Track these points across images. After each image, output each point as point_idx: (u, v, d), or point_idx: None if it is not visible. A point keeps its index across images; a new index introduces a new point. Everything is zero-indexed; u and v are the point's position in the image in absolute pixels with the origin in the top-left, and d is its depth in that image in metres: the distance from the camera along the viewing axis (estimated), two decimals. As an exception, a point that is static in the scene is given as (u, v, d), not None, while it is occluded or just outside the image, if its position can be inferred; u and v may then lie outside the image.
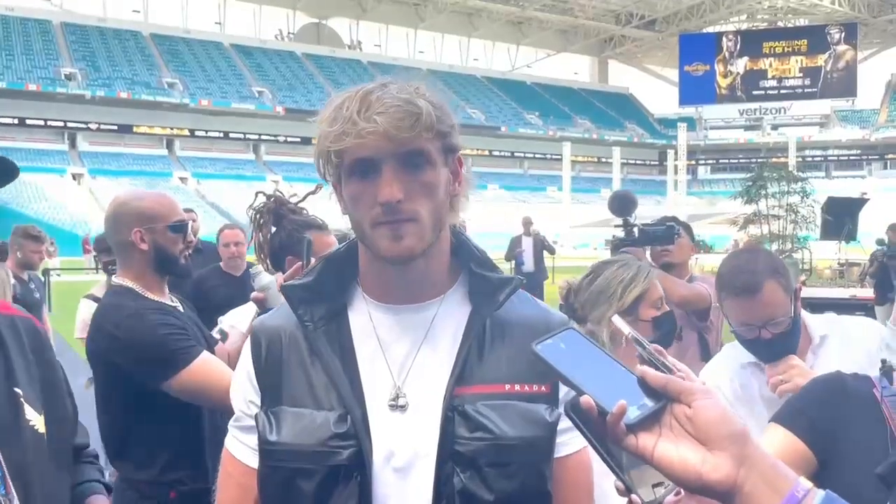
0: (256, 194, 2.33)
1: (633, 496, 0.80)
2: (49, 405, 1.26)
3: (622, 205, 3.72)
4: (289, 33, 65.26)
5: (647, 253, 3.69)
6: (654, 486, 0.81)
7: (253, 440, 1.17)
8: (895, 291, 8.52)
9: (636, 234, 3.62)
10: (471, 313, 1.18)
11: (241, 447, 1.20)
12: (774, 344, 1.84)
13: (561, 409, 1.17)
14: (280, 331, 1.19)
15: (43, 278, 9.26)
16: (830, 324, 2.01)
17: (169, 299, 2.30)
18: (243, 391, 1.21)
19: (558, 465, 1.19)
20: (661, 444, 0.74)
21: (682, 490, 0.86)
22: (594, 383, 0.78)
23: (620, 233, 3.65)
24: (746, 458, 0.73)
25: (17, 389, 1.20)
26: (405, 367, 1.14)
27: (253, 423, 1.17)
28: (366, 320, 1.18)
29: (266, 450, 1.13)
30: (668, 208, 41.58)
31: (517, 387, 1.14)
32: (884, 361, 1.52)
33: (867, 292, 9.93)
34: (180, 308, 2.31)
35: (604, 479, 1.66)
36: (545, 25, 68.24)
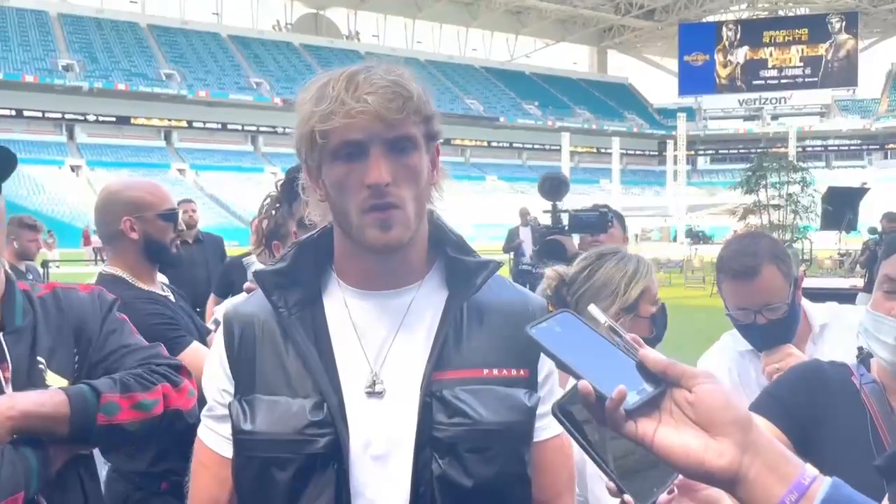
0: (277, 183, 2.32)
1: (626, 497, 0.78)
2: (83, 362, 1.37)
3: (553, 187, 3.53)
4: (286, 24, 65.03)
5: (576, 241, 3.51)
6: (647, 486, 0.78)
7: (226, 429, 1.15)
8: None
9: (565, 221, 3.45)
10: (448, 298, 1.16)
11: (214, 437, 1.18)
12: (769, 330, 1.82)
13: (540, 393, 1.16)
14: (253, 318, 1.17)
15: (42, 270, 9.24)
16: (832, 313, 1.99)
17: (160, 288, 2.28)
18: (216, 380, 1.18)
19: (537, 448, 1.17)
20: (662, 430, 0.72)
21: (675, 489, 0.85)
22: (592, 367, 0.75)
23: (547, 219, 3.44)
24: (751, 445, 0.71)
25: (38, 358, 1.32)
26: (382, 354, 1.13)
27: (226, 412, 1.15)
28: (341, 306, 1.16)
29: (240, 439, 1.11)
30: (668, 199, 41.56)
31: (495, 371, 1.13)
32: (860, 349, 1.50)
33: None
34: (171, 297, 2.29)
35: (596, 484, 1.65)
36: (544, 15, 67.99)
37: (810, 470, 0.71)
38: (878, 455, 1.15)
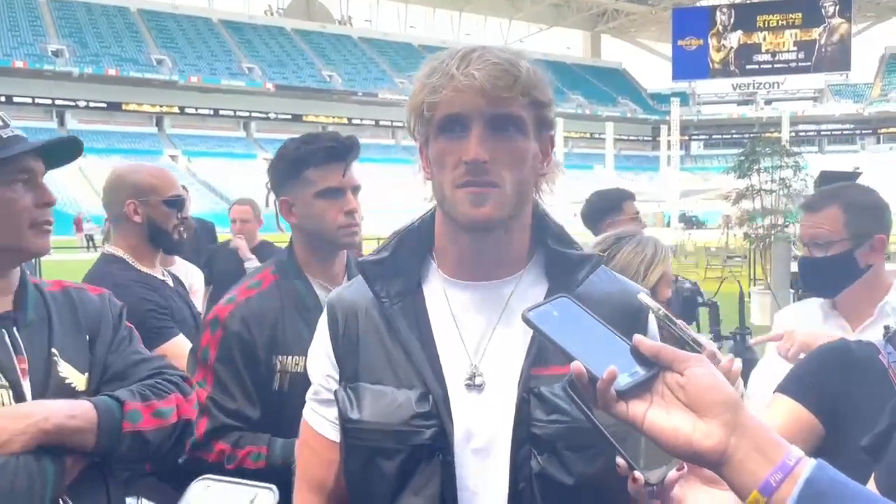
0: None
1: (636, 473, 0.79)
2: (95, 368, 1.38)
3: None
4: (278, 9, 64.53)
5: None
6: (656, 463, 0.80)
7: (332, 413, 1.17)
8: None
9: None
10: (548, 291, 1.14)
11: (320, 420, 1.20)
12: (811, 266, 1.88)
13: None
14: (356, 305, 1.18)
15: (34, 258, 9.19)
16: None
17: (161, 273, 2.30)
18: (321, 365, 1.20)
19: None
20: (652, 411, 0.74)
21: (684, 466, 0.86)
22: (585, 350, 0.77)
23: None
24: (738, 426, 0.72)
25: (53, 350, 1.33)
26: (481, 346, 1.12)
27: (331, 396, 1.17)
28: (440, 297, 1.15)
29: (347, 427, 1.13)
30: (662, 184, 41.56)
31: None
32: (887, 328, 1.51)
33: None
34: (170, 282, 2.30)
35: None
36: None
37: (795, 451, 0.72)
38: None
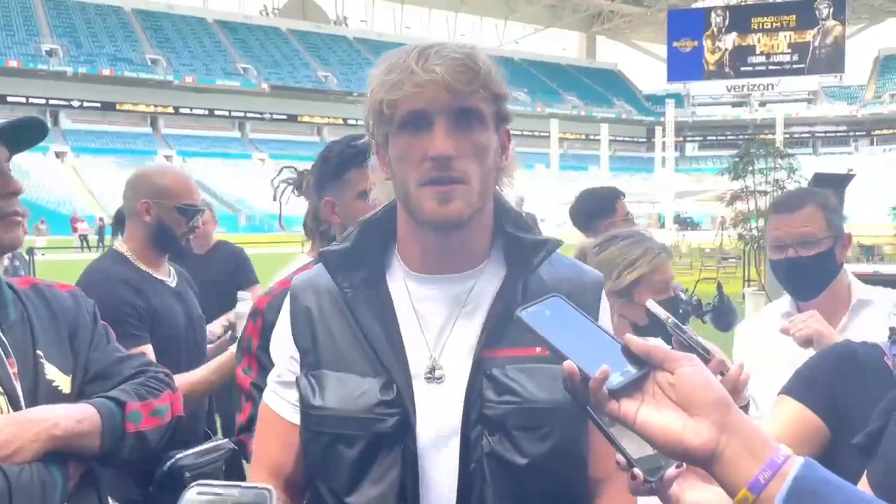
0: (281, 169, 2.26)
1: (635, 470, 0.80)
2: (78, 368, 1.35)
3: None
4: (273, 9, 64.45)
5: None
6: (656, 460, 0.80)
7: (293, 396, 1.16)
8: None
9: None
10: (505, 277, 1.15)
11: (281, 403, 1.19)
12: (798, 265, 1.85)
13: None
14: (320, 293, 1.17)
15: (27, 257, 9.17)
16: (880, 293, 1.98)
17: (168, 273, 2.33)
18: (284, 349, 1.19)
19: (592, 426, 1.17)
20: (644, 410, 0.75)
21: (683, 463, 0.86)
22: (578, 349, 0.78)
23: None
24: (728, 425, 0.73)
25: (38, 352, 1.29)
26: (441, 340, 1.12)
27: (292, 379, 1.16)
28: (402, 289, 1.15)
29: (309, 414, 1.12)
30: (657, 185, 41.68)
31: None
32: (892, 329, 1.50)
33: (866, 267, 9.96)
34: (172, 283, 2.31)
35: None
36: (533, 0, 67.72)
37: (784, 449, 0.72)
38: None
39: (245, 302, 2.21)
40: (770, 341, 1.92)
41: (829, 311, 1.87)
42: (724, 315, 2.74)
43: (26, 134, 1.35)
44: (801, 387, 1.48)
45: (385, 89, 1.05)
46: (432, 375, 1.11)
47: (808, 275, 1.87)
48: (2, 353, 1.24)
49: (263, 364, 1.71)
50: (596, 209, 3.26)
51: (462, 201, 1.05)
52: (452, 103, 1.04)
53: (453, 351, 1.12)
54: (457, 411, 1.09)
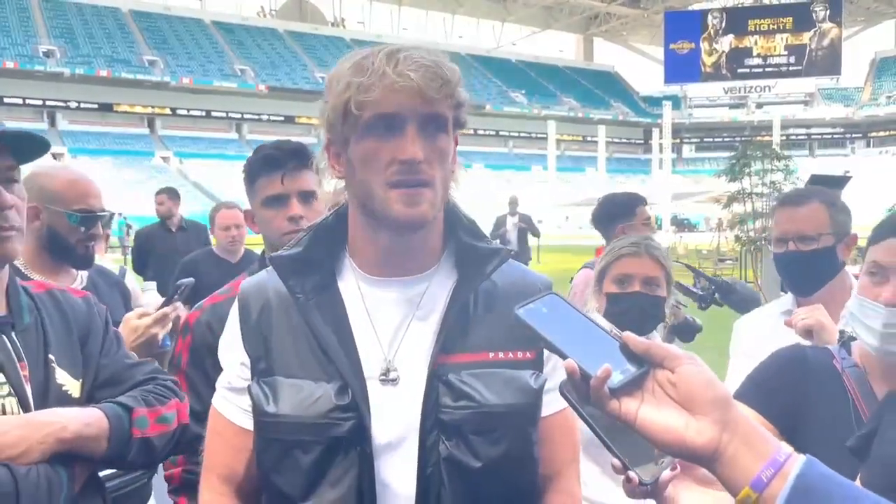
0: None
1: (630, 473, 0.80)
2: (88, 373, 1.36)
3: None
4: (271, 10, 64.43)
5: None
6: (650, 462, 0.80)
7: (244, 401, 1.16)
8: None
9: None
10: (457, 283, 1.16)
11: (231, 408, 1.19)
12: (798, 260, 1.85)
13: (545, 372, 1.17)
14: (269, 299, 1.17)
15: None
16: None
17: (70, 282, 2.10)
18: (233, 354, 1.19)
19: (542, 424, 1.19)
20: (644, 408, 0.74)
21: (678, 466, 0.87)
22: (577, 347, 0.77)
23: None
24: (729, 423, 0.73)
25: (50, 356, 1.31)
26: (395, 342, 1.13)
27: (243, 385, 1.16)
28: (354, 292, 1.16)
29: (263, 421, 1.12)
30: (654, 187, 41.74)
31: (501, 354, 1.14)
32: (842, 332, 1.53)
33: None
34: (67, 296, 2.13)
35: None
36: (530, 2, 67.80)
37: (786, 448, 0.73)
38: None
39: (150, 292, 2.14)
40: (768, 339, 1.92)
41: (827, 310, 1.87)
42: (746, 303, 2.97)
43: (28, 144, 1.30)
44: (753, 392, 1.49)
45: (354, 90, 1.05)
46: (387, 377, 1.12)
47: (806, 270, 1.88)
48: (14, 356, 1.26)
49: (194, 382, 1.70)
50: (614, 213, 3.35)
51: (427, 204, 1.07)
52: (422, 109, 1.06)
53: (408, 353, 1.13)
54: (413, 414, 1.10)
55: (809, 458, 0.71)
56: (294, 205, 1.82)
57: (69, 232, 2.03)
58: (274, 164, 1.82)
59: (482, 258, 1.17)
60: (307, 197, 1.83)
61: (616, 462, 0.81)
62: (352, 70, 1.07)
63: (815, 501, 0.68)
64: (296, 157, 1.82)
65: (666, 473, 0.85)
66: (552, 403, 1.19)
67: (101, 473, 1.39)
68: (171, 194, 6.24)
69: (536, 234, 12.04)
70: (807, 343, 1.69)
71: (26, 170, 2.03)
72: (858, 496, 0.69)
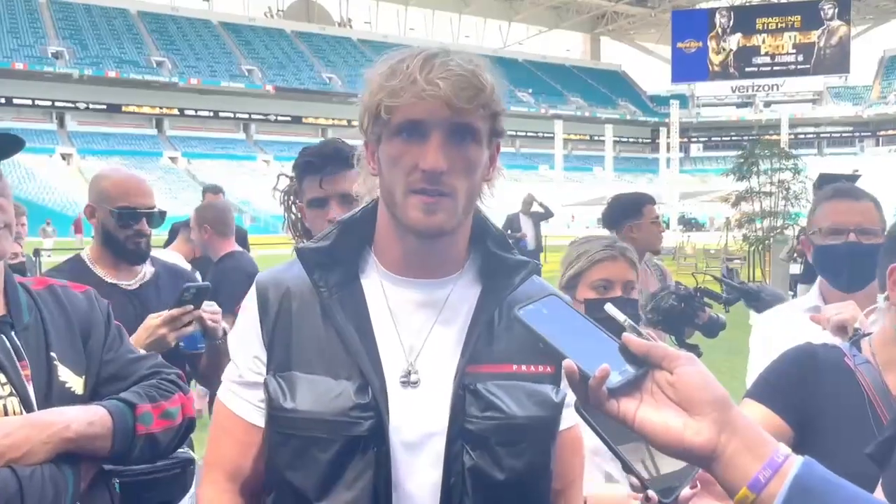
0: (279, 176, 2.22)
1: (650, 492, 0.81)
2: (91, 369, 1.35)
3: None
4: (278, 10, 64.55)
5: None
6: (669, 481, 0.79)
7: (255, 396, 1.15)
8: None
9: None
10: (482, 292, 1.16)
11: (241, 403, 1.17)
12: (859, 252, 1.83)
13: (565, 391, 1.17)
14: (291, 291, 1.15)
15: (34, 259, 9.19)
16: None
17: (130, 276, 2.24)
18: (248, 346, 1.16)
19: (558, 439, 1.19)
20: (643, 409, 0.74)
21: (698, 484, 0.87)
22: (576, 348, 0.78)
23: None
24: (728, 424, 0.73)
25: (52, 353, 1.30)
26: (417, 345, 1.13)
27: (256, 379, 1.15)
28: (378, 290, 1.15)
29: (279, 416, 1.10)
30: (661, 186, 41.61)
31: (524, 367, 1.14)
32: (856, 330, 1.53)
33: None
34: (128, 287, 2.22)
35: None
36: (537, 2, 67.69)
37: (783, 448, 0.73)
38: (879, 434, 1.16)
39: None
40: (791, 336, 1.91)
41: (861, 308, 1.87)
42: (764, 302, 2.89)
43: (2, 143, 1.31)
44: (765, 390, 1.49)
45: (385, 93, 1.05)
46: (408, 380, 1.11)
47: (863, 263, 1.82)
48: (14, 355, 1.25)
49: None
50: (622, 212, 3.37)
51: (446, 214, 1.07)
52: (450, 118, 1.04)
53: (430, 358, 1.12)
54: (434, 420, 1.10)
55: (807, 460, 0.71)
56: (333, 207, 1.87)
57: (116, 229, 2.18)
58: (312, 169, 1.90)
59: (510, 269, 1.17)
60: (346, 199, 1.85)
61: (635, 481, 0.82)
62: (385, 72, 1.06)
63: (813, 502, 0.68)
64: (333, 160, 1.87)
65: (685, 492, 0.84)
66: (566, 419, 1.20)
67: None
68: (214, 192, 6.29)
69: (549, 213, 11.85)
70: (836, 340, 1.67)
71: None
72: (857, 497, 0.69)
